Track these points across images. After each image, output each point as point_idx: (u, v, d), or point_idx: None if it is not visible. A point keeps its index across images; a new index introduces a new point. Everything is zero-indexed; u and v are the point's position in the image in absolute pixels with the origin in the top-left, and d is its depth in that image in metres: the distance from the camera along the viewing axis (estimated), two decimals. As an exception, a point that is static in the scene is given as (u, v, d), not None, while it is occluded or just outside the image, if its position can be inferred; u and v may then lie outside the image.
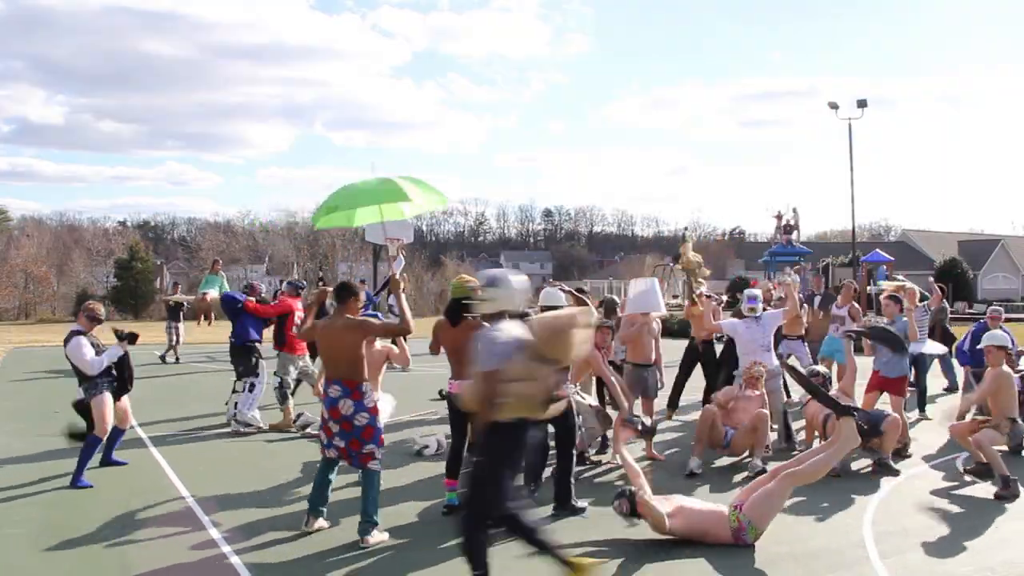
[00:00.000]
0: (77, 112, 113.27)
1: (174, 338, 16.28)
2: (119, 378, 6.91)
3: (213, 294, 13.81)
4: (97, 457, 6.91)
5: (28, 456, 7.55)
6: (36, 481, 6.69)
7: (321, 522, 5.42)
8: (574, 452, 6.04)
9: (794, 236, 30.70)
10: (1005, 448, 6.78)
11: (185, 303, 16.95)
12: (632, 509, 5.27)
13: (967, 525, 5.68)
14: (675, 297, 25.65)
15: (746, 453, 7.30)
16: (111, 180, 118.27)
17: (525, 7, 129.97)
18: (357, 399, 5.23)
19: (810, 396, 6.89)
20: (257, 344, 9.15)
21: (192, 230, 74.74)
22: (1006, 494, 6.26)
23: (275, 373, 9.19)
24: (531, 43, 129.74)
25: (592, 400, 7.53)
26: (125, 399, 7.08)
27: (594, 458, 7.55)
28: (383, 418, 6.64)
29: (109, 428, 6.74)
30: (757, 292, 8.48)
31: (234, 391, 8.99)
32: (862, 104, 30.51)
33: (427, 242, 73.71)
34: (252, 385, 8.88)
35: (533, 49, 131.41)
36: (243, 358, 9.01)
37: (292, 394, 9.23)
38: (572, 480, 5.96)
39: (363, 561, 4.94)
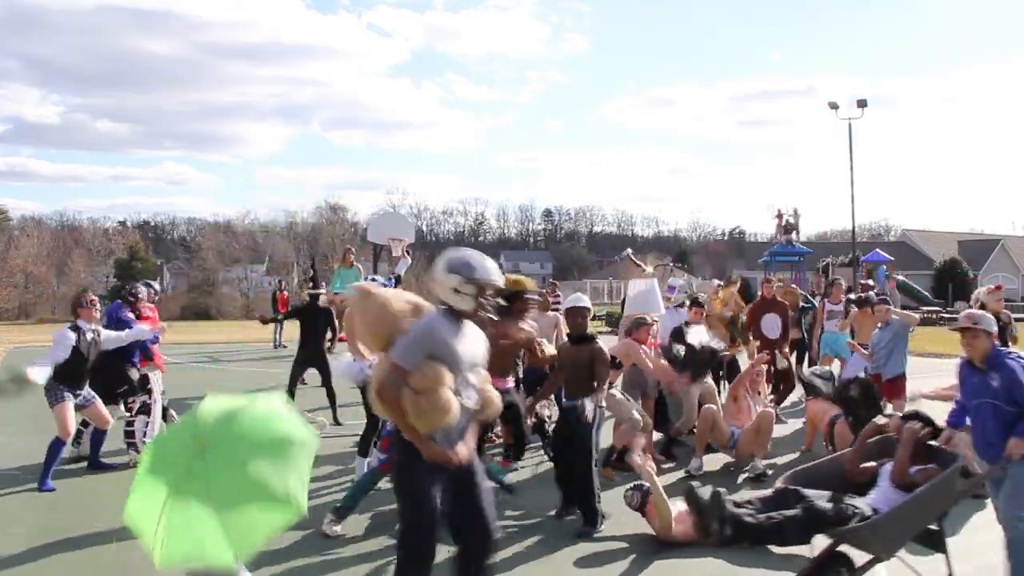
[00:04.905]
0: (73, 112, 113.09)
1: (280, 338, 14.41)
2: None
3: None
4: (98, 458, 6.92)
5: (28, 456, 7.54)
6: (36, 481, 6.68)
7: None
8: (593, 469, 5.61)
9: (794, 236, 30.70)
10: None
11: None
12: (641, 505, 5.35)
13: (967, 525, 5.69)
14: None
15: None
16: (109, 180, 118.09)
17: (522, 6, 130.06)
18: None
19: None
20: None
21: (192, 230, 74.71)
22: (981, 492, 6.31)
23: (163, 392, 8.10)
24: (529, 42, 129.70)
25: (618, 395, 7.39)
26: (98, 400, 6.99)
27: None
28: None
29: (72, 431, 6.72)
30: (680, 282, 8.61)
31: (130, 414, 7.67)
32: (862, 104, 30.53)
33: (427, 242, 73.67)
34: (147, 406, 7.69)
35: (531, 48, 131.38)
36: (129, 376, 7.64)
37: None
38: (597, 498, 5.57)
39: (364, 561, 4.94)
